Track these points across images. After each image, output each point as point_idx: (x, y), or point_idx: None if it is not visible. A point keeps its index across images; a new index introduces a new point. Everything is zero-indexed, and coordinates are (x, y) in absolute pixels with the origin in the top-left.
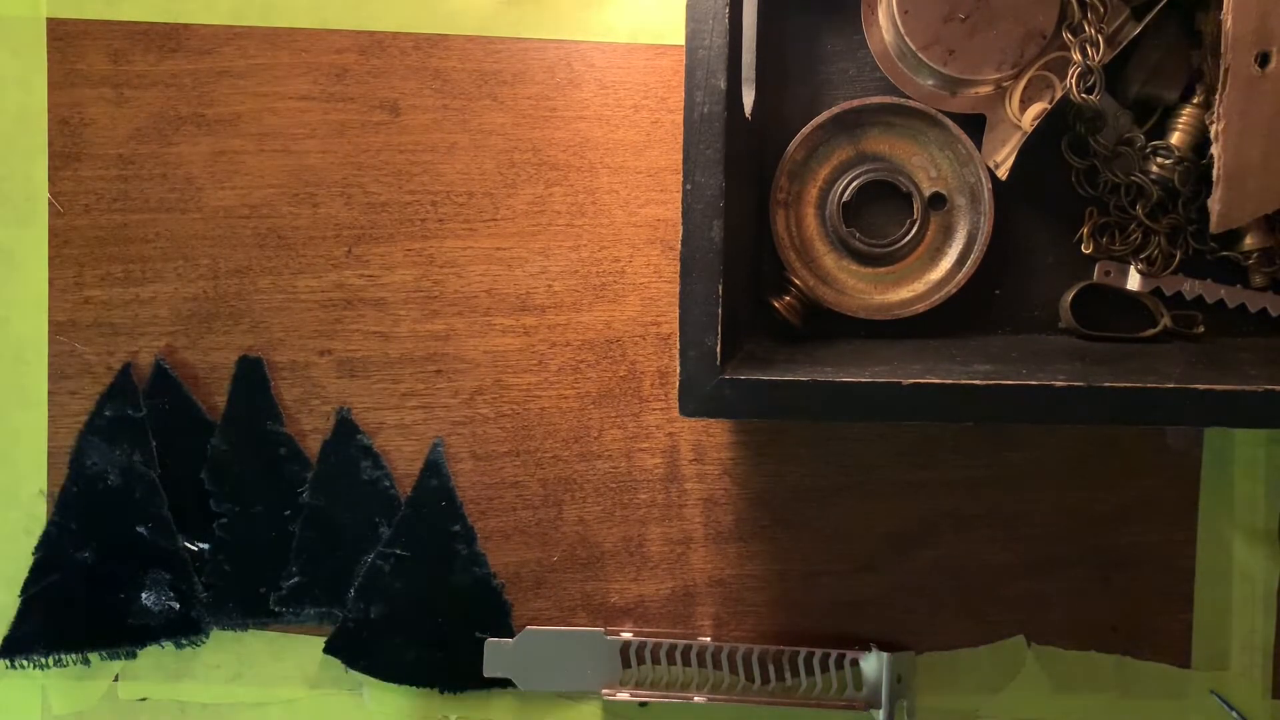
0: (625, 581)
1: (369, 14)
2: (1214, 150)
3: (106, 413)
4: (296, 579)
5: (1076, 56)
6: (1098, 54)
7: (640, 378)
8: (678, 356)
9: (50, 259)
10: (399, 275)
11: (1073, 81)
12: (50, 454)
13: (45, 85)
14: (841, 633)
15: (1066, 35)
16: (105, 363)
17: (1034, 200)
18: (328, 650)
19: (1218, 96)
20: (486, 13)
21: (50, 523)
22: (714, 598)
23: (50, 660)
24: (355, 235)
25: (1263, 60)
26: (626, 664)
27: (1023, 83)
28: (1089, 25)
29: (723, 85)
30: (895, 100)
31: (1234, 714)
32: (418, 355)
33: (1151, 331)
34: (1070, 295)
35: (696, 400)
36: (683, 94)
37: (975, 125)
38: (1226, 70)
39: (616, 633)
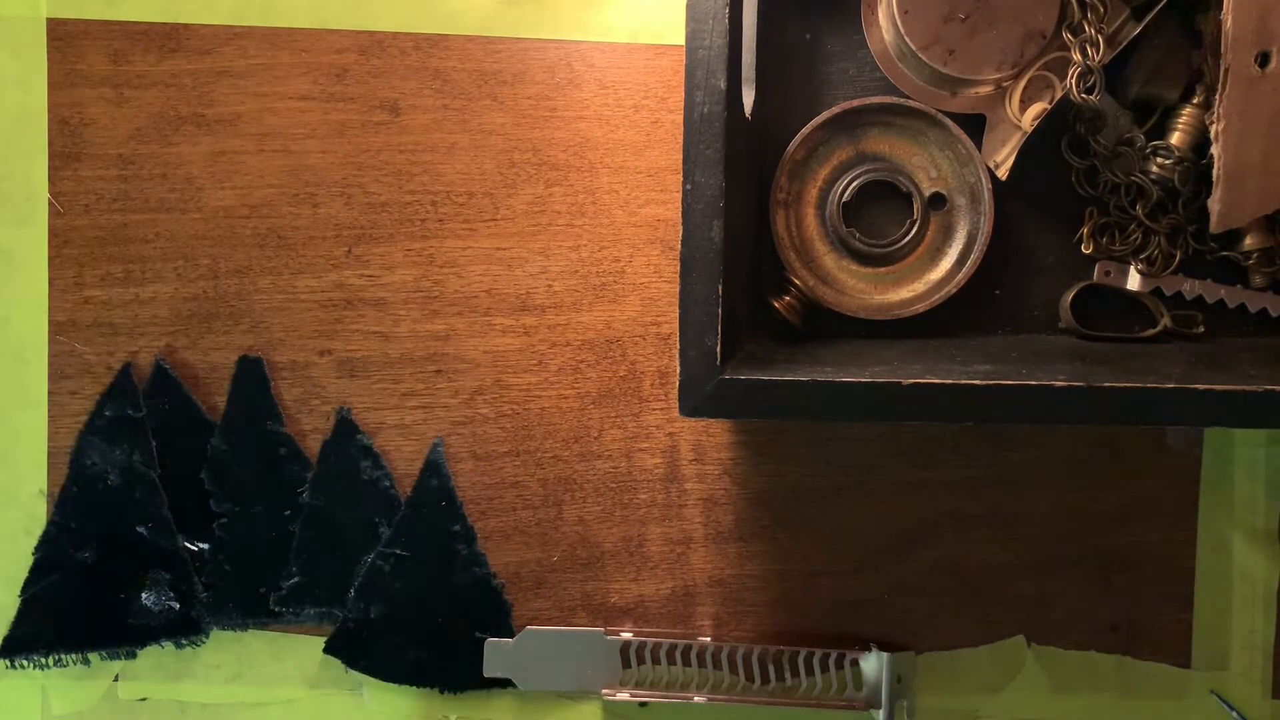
0: (625, 581)
1: (369, 14)
2: (1214, 150)
3: (106, 413)
4: (296, 579)
5: (1076, 56)
6: (1098, 54)
7: (640, 378)
8: (678, 356)
9: (50, 259)
10: (399, 275)
11: (1073, 81)
12: (50, 454)
13: (45, 85)
14: (841, 633)
15: (1066, 35)
16: (105, 363)
17: (1034, 200)
18: (328, 650)
19: (1218, 96)
20: (486, 13)
21: (50, 523)
22: (714, 598)
23: (50, 660)
24: (355, 235)
25: (1263, 60)
26: (626, 664)
27: (1023, 83)
28: (1089, 25)
29: (723, 85)
30: (895, 100)
31: (1234, 714)
32: (418, 355)
33: (1151, 331)
34: (1070, 295)
35: (696, 400)
36: (683, 94)
37: (975, 125)
38: (1226, 70)
39: (616, 633)
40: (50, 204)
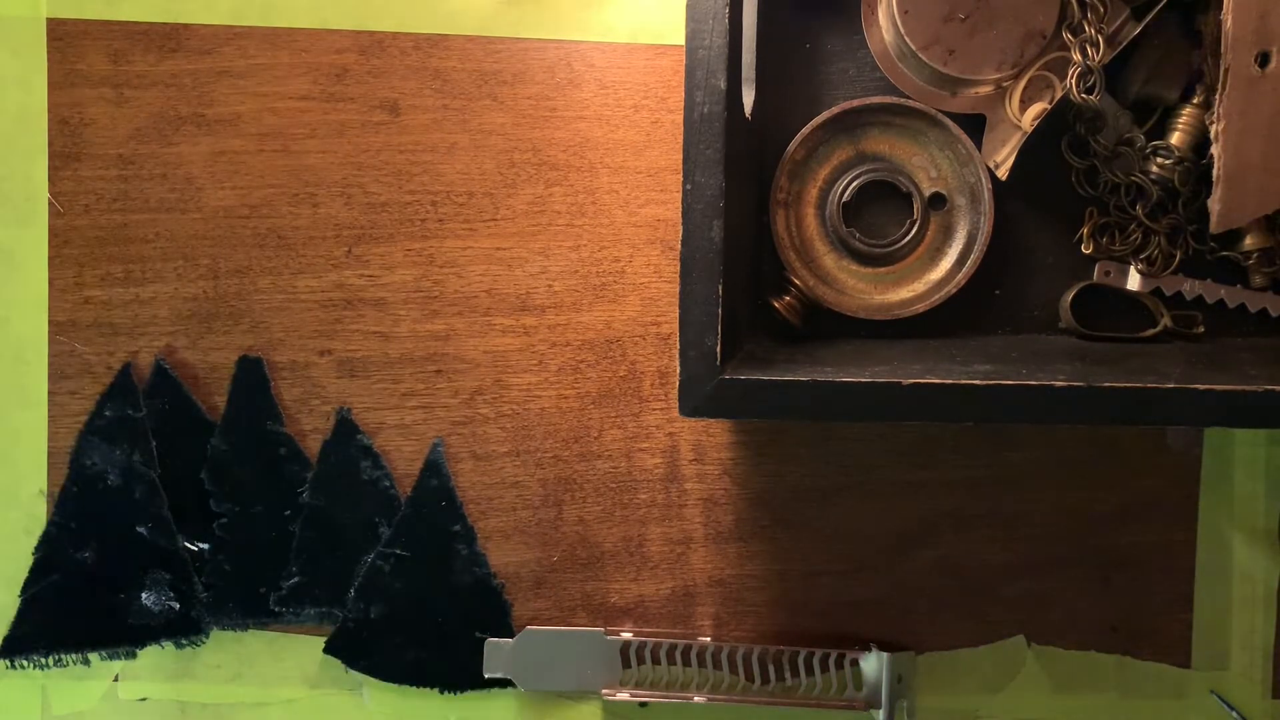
0: (625, 581)
1: (369, 14)
2: (1214, 150)
3: (106, 413)
4: (296, 579)
5: (1076, 56)
6: (1098, 54)
7: (640, 378)
8: (678, 356)
9: (50, 259)
10: (399, 275)
11: (1073, 81)
12: (50, 454)
13: (45, 85)
14: (841, 633)
15: (1066, 35)
16: (105, 363)
17: (1034, 200)
18: (328, 650)
19: (1218, 96)
20: (486, 13)
21: (50, 523)
22: (714, 598)
23: (50, 660)
24: (355, 235)
25: (1263, 60)
26: (626, 664)
27: (1023, 83)
28: (1089, 25)
29: (723, 85)
30: (895, 100)
31: (1234, 714)
32: (418, 355)
33: (1151, 331)
34: (1070, 295)
35: (696, 400)
36: (683, 94)
37: (975, 125)
38: (1226, 70)
39: (616, 633)
40: (50, 204)
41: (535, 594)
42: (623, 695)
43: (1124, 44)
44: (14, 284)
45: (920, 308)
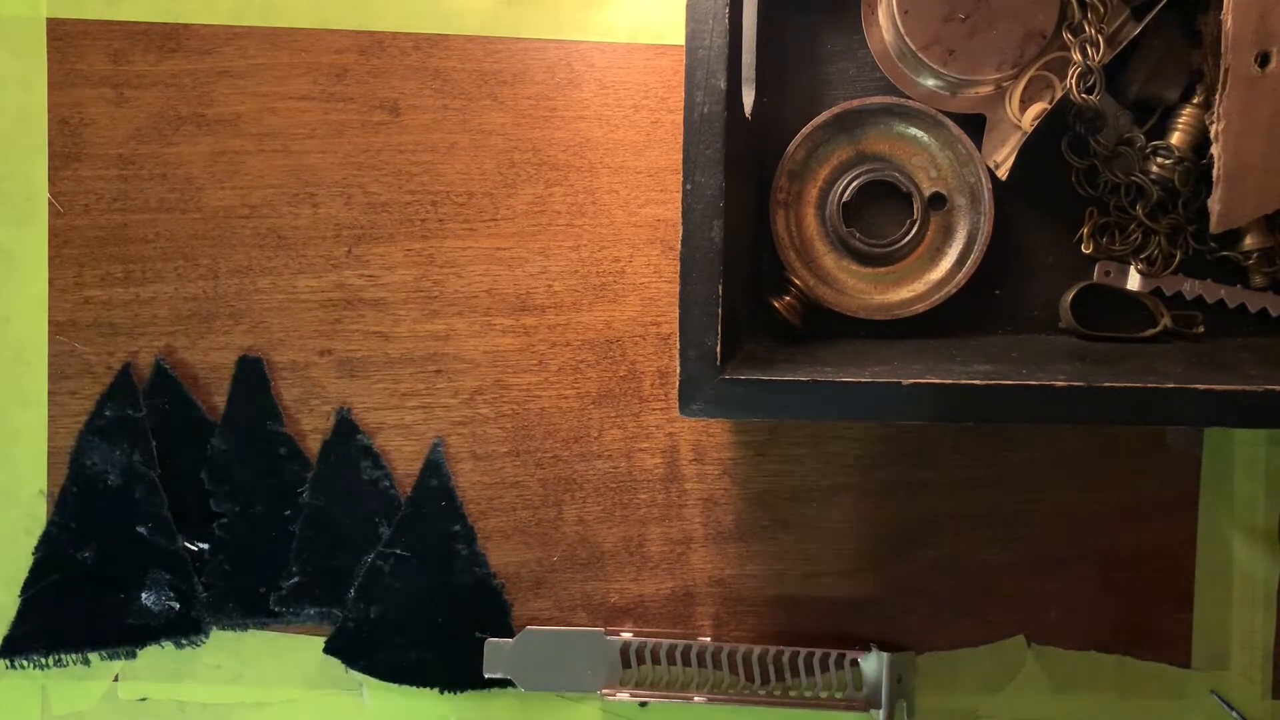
0: (625, 581)
1: (369, 14)
2: (1214, 150)
3: (106, 413)
4: (296, 579)
5: (1076, 56)
6: (1098, 54)
7: (640, 378)
8: (678, 356)
9: (50, 259)
10: (399, 275)
11: (1073, 81)
12: (50, 454)
13: (45, 85)
14: (841, 633)
15: (1066, 35)
16: (105, 363)
17: (1034, 200)
18: (328, 650)
19: (1218, 96)
20: (486, 13)
21: (50, 523)
22: (714, 598)
23: (50, 660)
24: (355, 235)
25: (1263, 60)
26: (626, 664)
27: (1023, 83)
28: (1089, 25)
29: (723, 85)
30: (895, 100)
31: (1234, 714)
32: (418, 355)
33: (1151, 331)
34: (1070, 295)
35: (696, 400)
36: (683, 94)
37: (975, 125)
38: (1226, 70)
39: (616, 633)
40: (50, 204)
41: (535, 594)
42: (623, 695)
43: (1124, 44)
44: (14, 284)
45: (920, 308)
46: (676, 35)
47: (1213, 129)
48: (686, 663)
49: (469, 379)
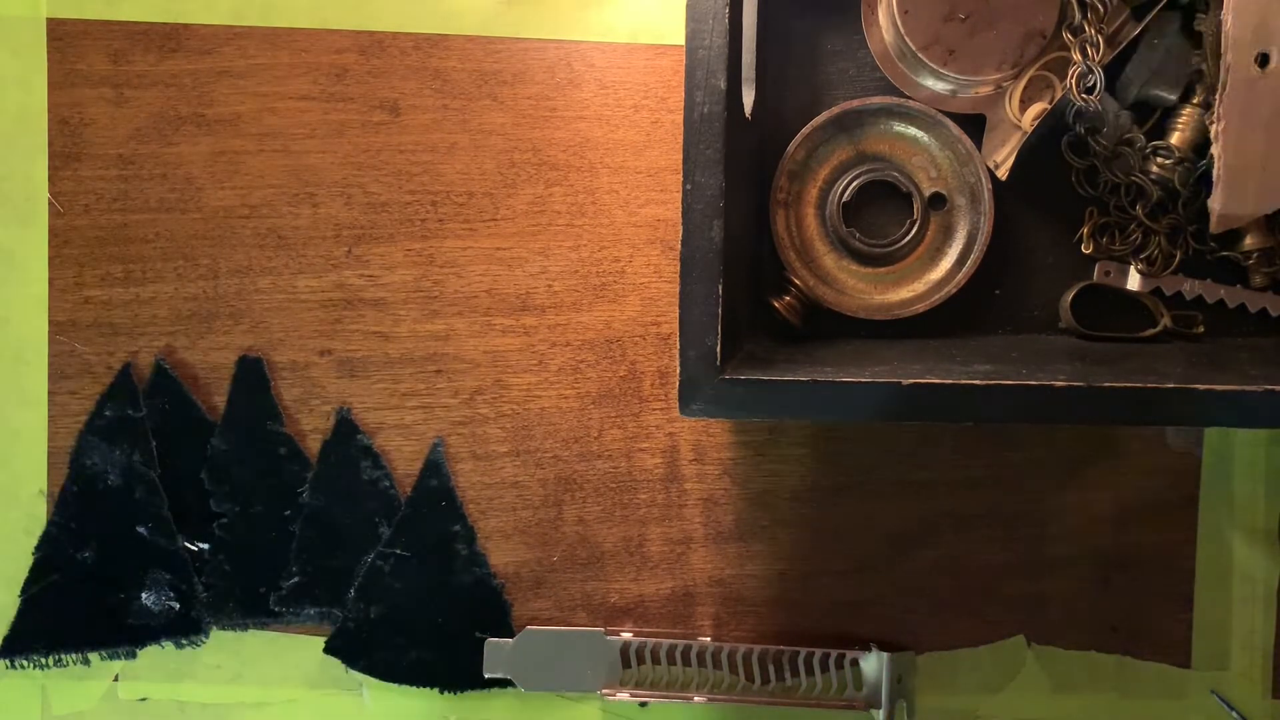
0: (625, 581)
1: (369, 14)
2: (1214, 150)
3: (106, 413)
4: (296, 579)
5: (1076, 56)
6: (1098, 54)
7: (640, 378)
8: (678, 356)
9: (50, 259)
10: (399, 275)
11: (1073, 81)
12: (50, 454)
13: (45, 85)
14: (841, 633)
15: (1066, 35)
16: (105, 363)
17: (1034, 200)
18: (328, 650)
19: (1218, 96)
20: (486, 13)
21: (50, 523)
22: (714, 598)
23: (50, 660)
24: (355, 235)
25: (1263, 60)
26: (626, 664)
27: (1023, 83)
28: (1089, 25)
29: (723, 85)
30: (895, 100)
31: (1234, 714)
32: (418, 355)
33: (1151, 331)
34: (1070, 295)
35: (696, 400)
36: (683, 94)
37: (975, 125)
38: (1226, 70)
39: (616, 633)
40: (50, 204)
41: (535, 594)
42: (623, 695)
43: (1124, 44)
44: (14, 284)
45: (920, 308)
46: (676, 35)
47: (1213, 129)
48: (686, 663)
49: (469, 379)
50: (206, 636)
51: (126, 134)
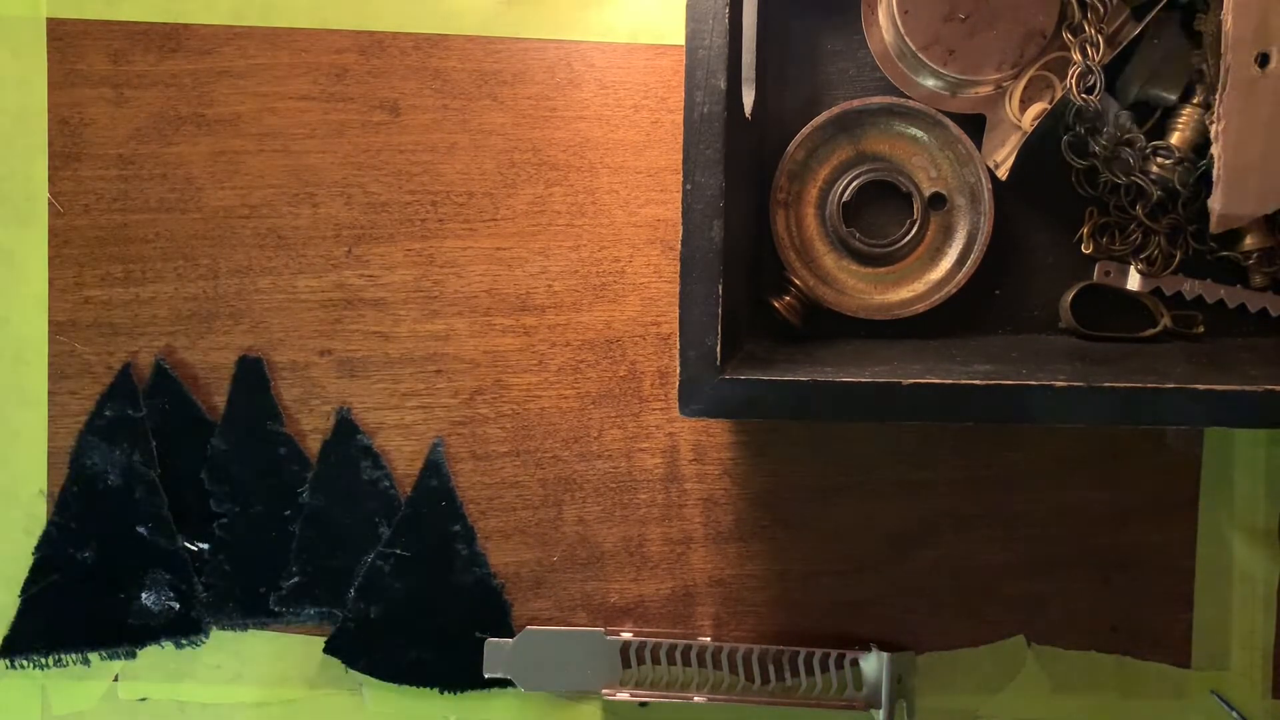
0: (625, 581)
1: (369, 14)
2: (1214, 150)
3: (106, 413)
4: (296, 579)
5: (1076, 56)
6: (1098, 54)
7: (640, 378)
8: (678, 356)
9: (50, 259)
10: (399, 275)
11: (1073, 81)
12: (50, 454)
13: (45, 85)
14: (841, 633)
15: (1066, 35)
16: (105, 363)
17: (1034, 200)
18: (328, 650)
19: (1218, 96)
20: (486, 13)
21: (50, 523)
22: (714, 598)
23: (50, 660)
24: (355, 235)
25: (1263, 60)
26: (626, 664)
27: (1023, 83)
28: (1089, 25)
29: (723, 85)
30: (895, 100)
31: (1234, 714)
32: (418, 355)
33: (1151, 331)
34: (1070, 295)
35: (696, 400)
36: (683, 94)
37: (975, 125)
38: (1226, 70)
39: (616, 633)
40: (50, 204)
41: (535, 594)
42: (623, 695)
43: (1124, 44)
44: (14, 284)
45: (920, 308)
46: (676, 35)
47: (1213, 129)
48: (686, 663)
49: (469, 379)
50: (206, 636)
51: (126, 134)
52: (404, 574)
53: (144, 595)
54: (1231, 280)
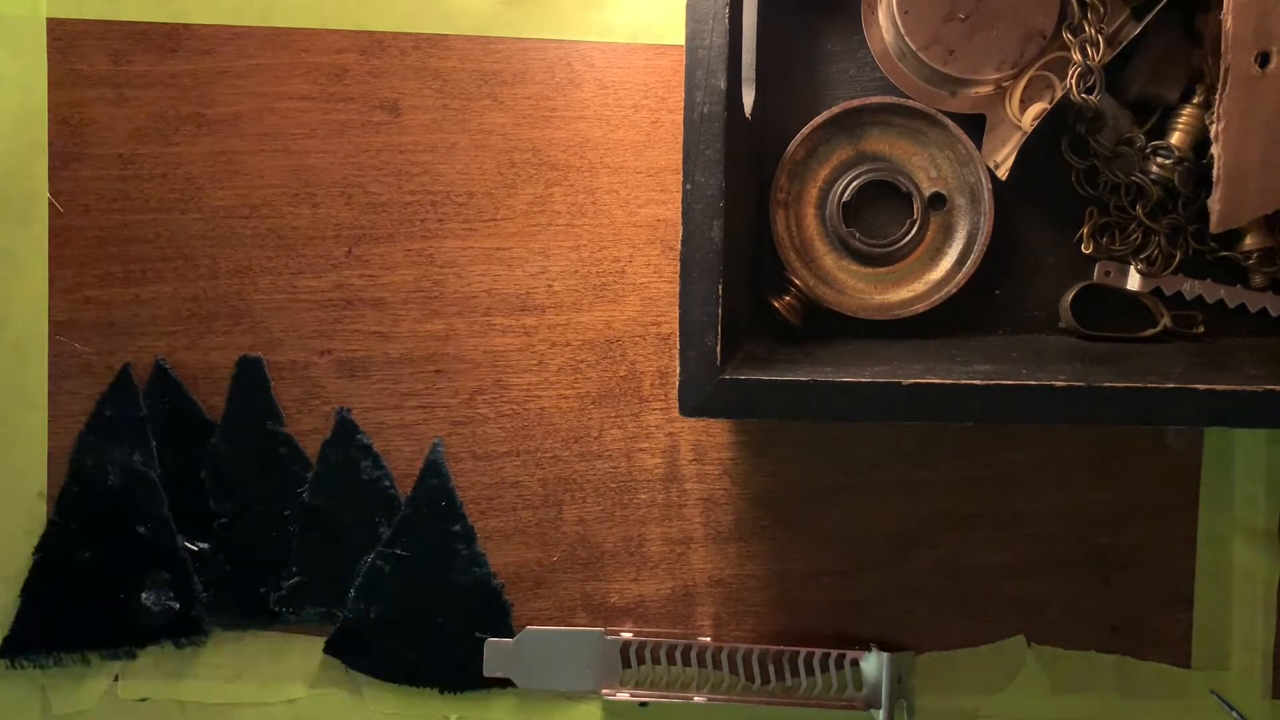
0: (625, 581)
1: (369, 14)
2: (1214, 150)
3: (106, 413)
4: (296, 579)
5: (1076, 56)
6: (1098, 54)
7: (640, 378)
8: (678, 356)
9: (50, 259)
10: (399, 275)
11: (1073, 81)
12: (50, 454)
13: (45, 85)
14: (841, 633)
15: (1066, 35)
16: (105, 363)
17: (1034, 200)
18: (328, 650)
19: (1218, 96)
20: (486, 13)
21: (50, 523)
22: (714, 598)
23: (50, 660)
24: (355, 235)
25: (1263, 60)
26: (626, 664)
27: (1023, 83)
28: (1089, 25)
29: (723, 85)
30: (895, 100)
31: (1234, 714)
32: (418, 355)
33: (1151, 331)
34: (1070, 295)
35: (696, 400)
36: (683, 94)
37: (975, 125)
38: (1226, 70)
39: (616, 633)
40: (50, 204)
41: (535, 594)
42: (623, 695)
43: (1124, 44)
44: (14, 284)
45: (920, 308)
46: (676, 35)
47: (1213, 129)
48: (686, 663)
49: (469, 379)
50: (206, 636)
51: (126, 134)
52: (404, 574)
53: (144, 595)
54: (1231, 280)
